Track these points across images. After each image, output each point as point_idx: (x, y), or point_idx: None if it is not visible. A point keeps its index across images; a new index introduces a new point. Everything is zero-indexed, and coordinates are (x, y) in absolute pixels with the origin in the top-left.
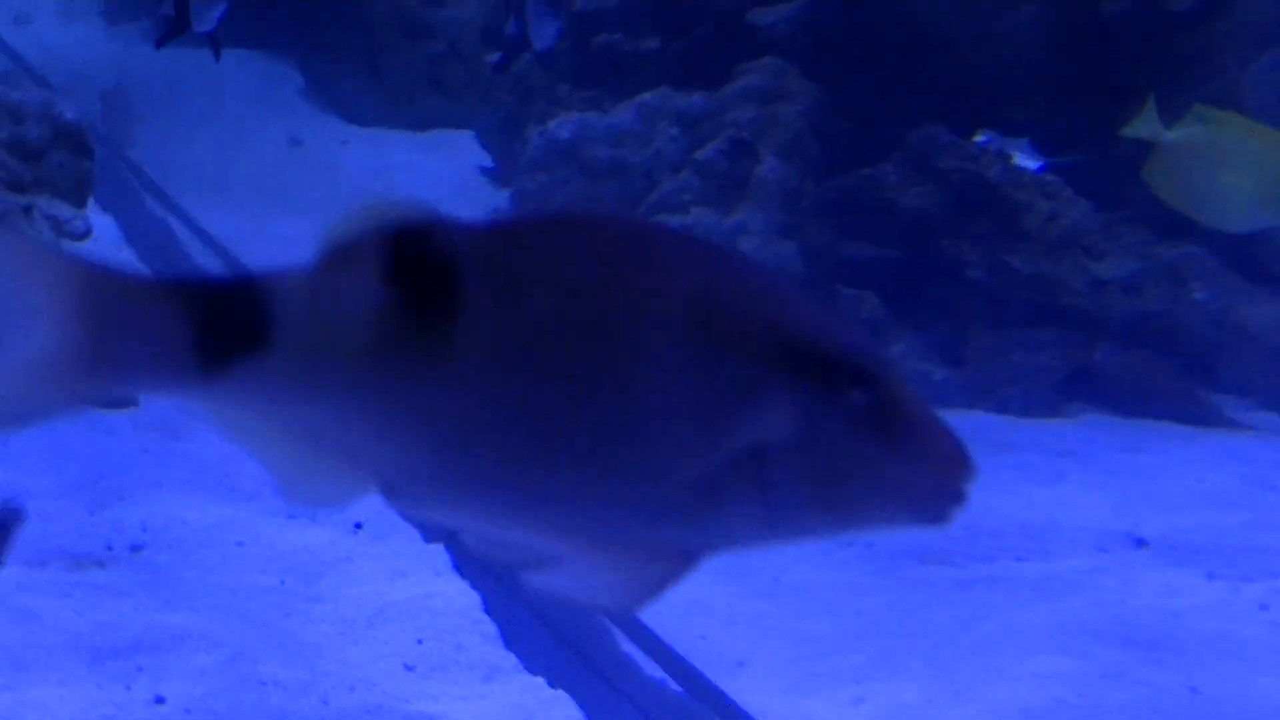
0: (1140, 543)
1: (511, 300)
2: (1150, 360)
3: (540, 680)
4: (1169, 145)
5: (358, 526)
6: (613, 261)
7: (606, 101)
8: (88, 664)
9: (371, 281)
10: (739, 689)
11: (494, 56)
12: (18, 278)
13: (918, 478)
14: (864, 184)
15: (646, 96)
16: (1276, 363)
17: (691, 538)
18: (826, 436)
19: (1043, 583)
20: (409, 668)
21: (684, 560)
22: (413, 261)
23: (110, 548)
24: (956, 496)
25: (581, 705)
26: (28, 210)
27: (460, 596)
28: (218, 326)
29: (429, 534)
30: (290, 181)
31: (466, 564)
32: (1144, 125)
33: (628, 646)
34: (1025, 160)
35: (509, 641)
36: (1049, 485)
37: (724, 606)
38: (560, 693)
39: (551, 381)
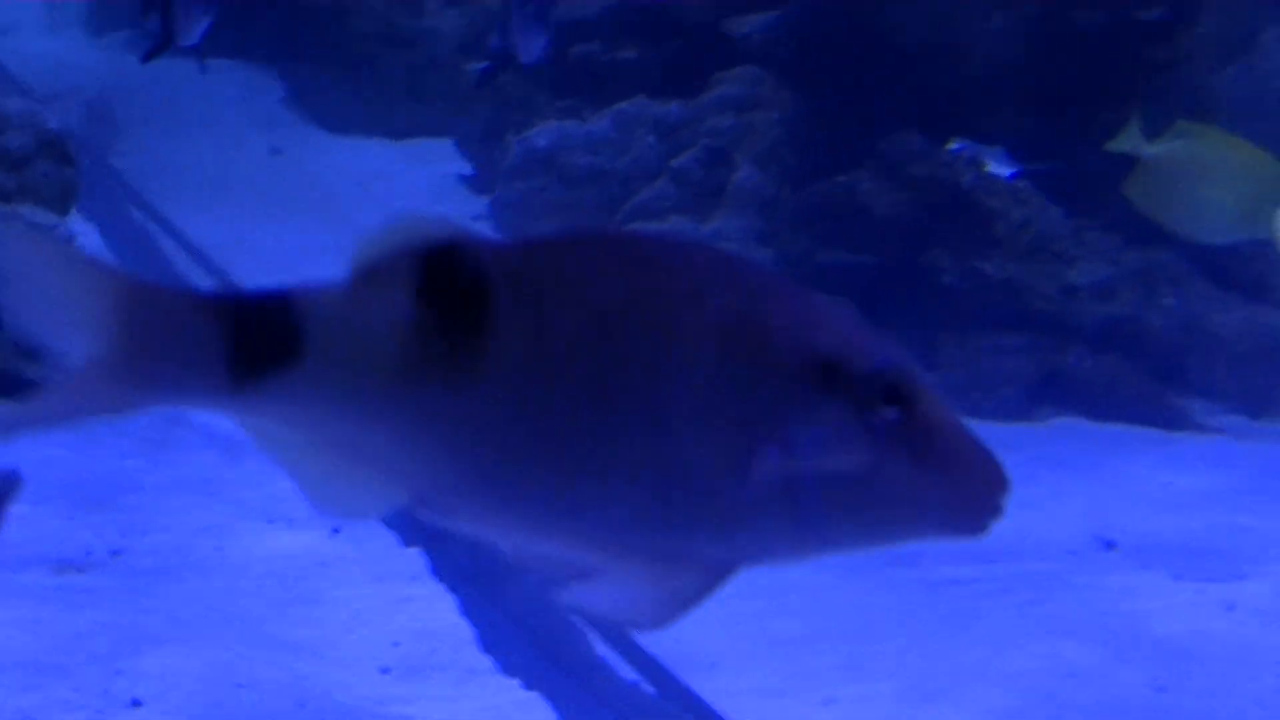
0: (1109, 545)
1: (541, 317)
2: (1120, 365)
3: (516, 682)
4: (1151, 160)
5: (336, 531)
6: (641, 278)
7: (584, 110)
8: (66, 667)
9: (402, 298)
10: (711, 690)
11: (473, 66)
12: (58, 289)
13: (952, 492)
14: (839, 191)
15: (624, 105)
16: (1244, 367)
17: (722, 551)
18: (857, 452)
19: (1012, 584)
20: (386, 670)
21: (717, 572)
22: (443, 279)
23: (90, 552)
24: (992, 510)
25: (556, 707)
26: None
27: (437, 600)
28: (251, 340)
29: (406, 538)
30: (271, 190)
31: (443, 568)
32: (1127, 140)
33: (602, 649)
34: (998, 168)
35: (485, 644)
36: (1019, 488)
37: (698, 610)
38: (535, 694)
39: (580, 397)
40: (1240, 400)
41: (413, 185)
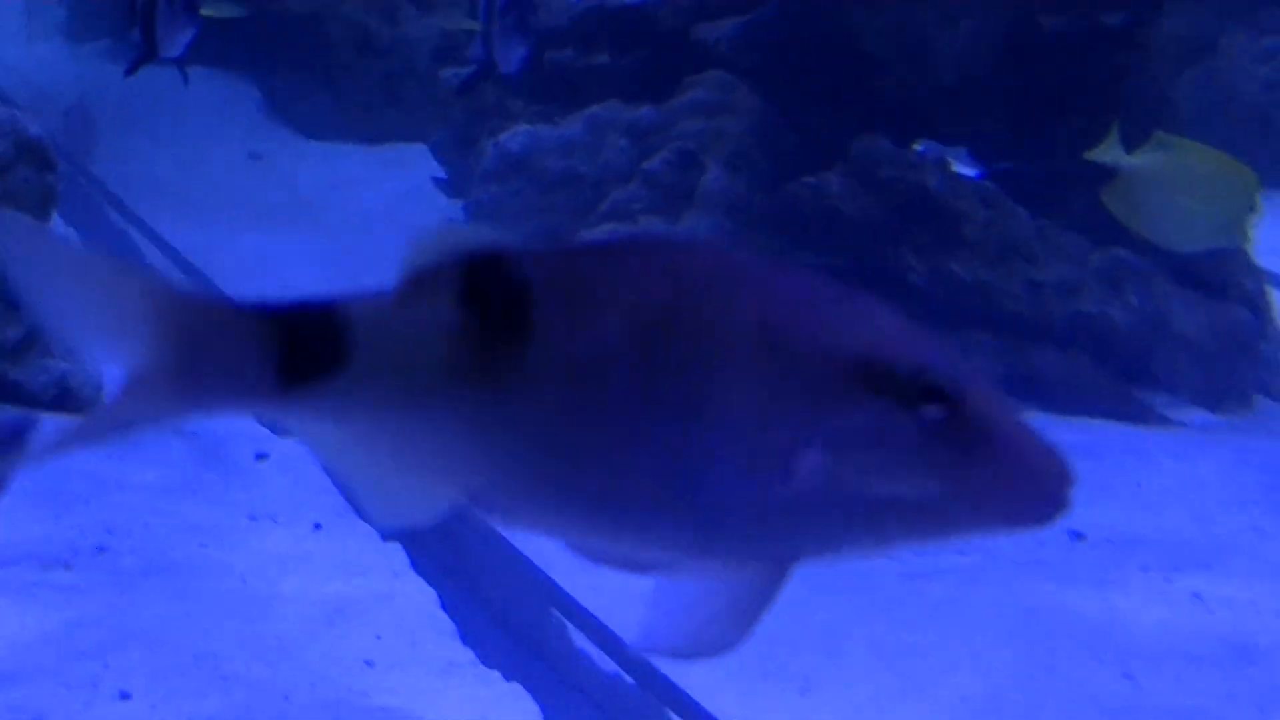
0: (1078, 536)
1: (582, 321)
2: (1086, 362)
3: (496, 674)
4: (1129, 171)
5: (318, 527)
6: (683, 282)
7: (557, 115)
8: (54, 663)
9: (446, 305)
10: (688, 679)
11: (450, 73)
12: (109, 301)
13: (1009, 487)
14: (808, 193)
15: (596, 109)
16: (1208, 362)
17: (771, 548)
18: (901, 452)
19: (983, 576)
20: (369, 664)
21: (775, 570)
22: (486, 286)
23: (76, 550)
24: (1057, 503)
25: (537, 699)
26: None
27: (418, 594)
28: (298, 348)
29: (386, 534)
30: (249, 195)
31: (423, 563)
32: (1107, 152)
33: (581, 642)
34: (963, 169)
35: (466, 637)
36: None
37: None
38: (516, 686)
39: (621, 400)
40: (1205, 395)
41: (389, 190)
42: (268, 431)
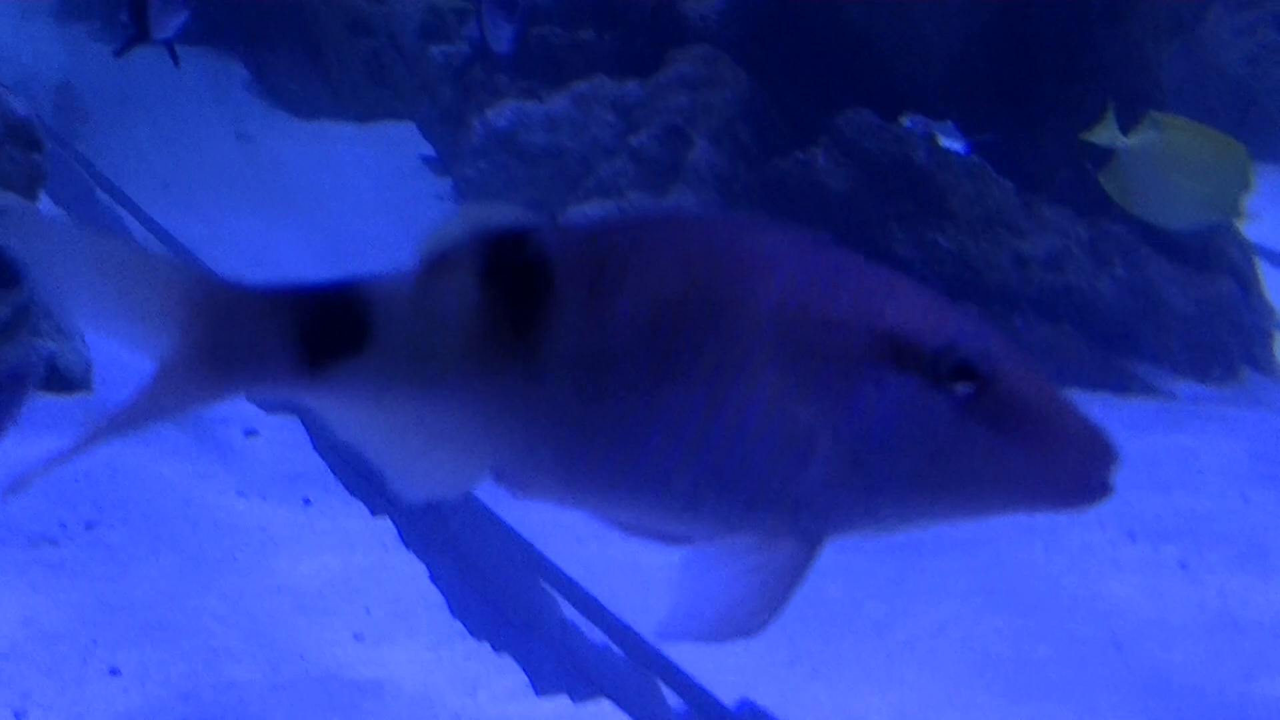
0: None
1: (606, 298)
2: (1072, 332)
3: (486, 646)
4: (1126, 152)
5: (307, 503)
6: (706, 258)
7: (544, 91)
8: (44, 639)
9: (469, 284)
10: (679, 651)
11: (437, 50)
12: (137, 288)
13: (1046, 466)
14: (795, 167)
15: (582, 85)
16: (1193, 333)
17: (791, 524)
18: (931, 430)
19: (970, 544)
20: (358, 637)
21: (804, 546)
22: (509, 264)
23: (64, 526)
24: (1097, 483)
25: (526, 670)
26: None
27: (407, 567)
28: (320, 331)
29: (374, 508)
30: (237, 174)
31: (412, 537)
32: (1103, 134)
33: (570, 612)
34: (950, 143)
35: (455, 610)
36: None
37: (663, 576)
38: (506, 658)
39: (645, 376)
40: (1192, 366)
41: (377, 168)
42: (257, 409)
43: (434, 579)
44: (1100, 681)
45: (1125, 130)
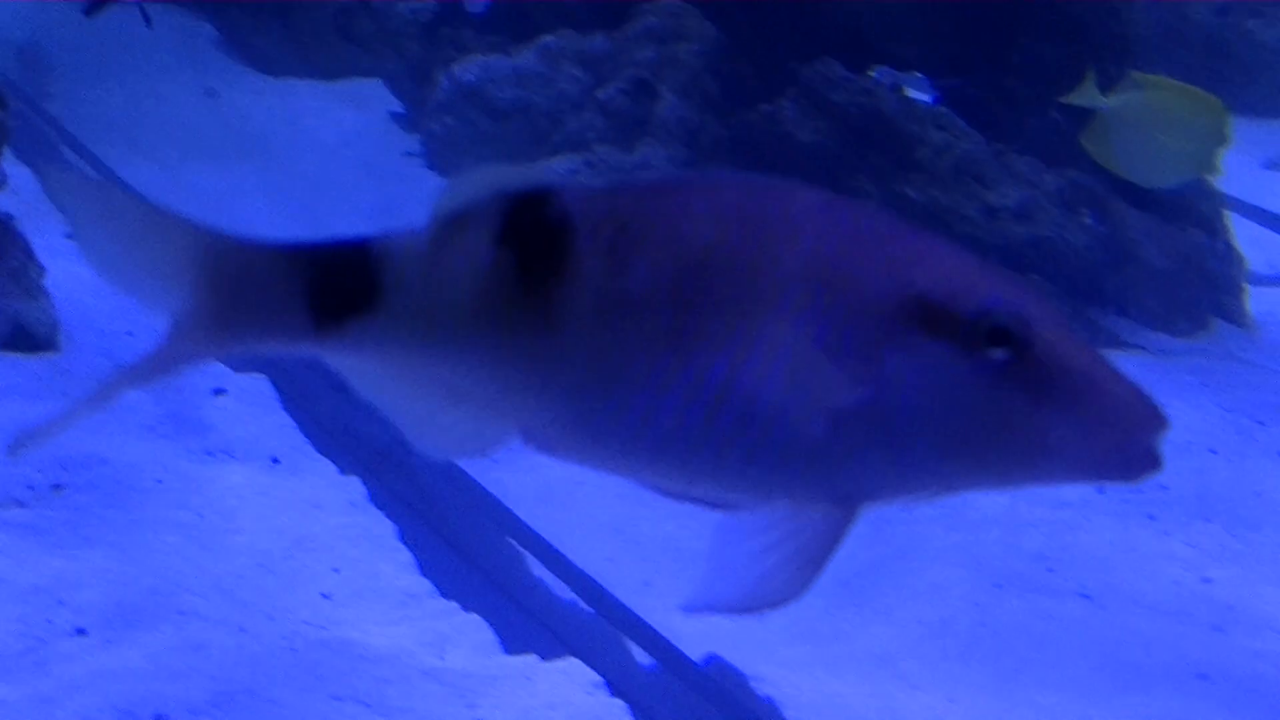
0: None
1: (626, 259)
2: (1042, 285)
3: (454, 605)
4: (1107, 112)
5: (275, 462)
6: (730, 218)
7: (511, 46)
8: (10, 599)
9: (483, 243)
10: (646, 607)
11: (404, 5)
12: (146, 244)
13: (1088, 435)
14: (762, 120)
15: (548, 39)
16: (1165, 285)
17: (829, 489)
18: (965, 397)
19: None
20: (326, 596)
21: (838, 512)
22: (526, 223)
23: (31, 487)
24: (1144, 452)
25: (495, 628)
26: None
27: (376, 526)
28: (331, 287)
29: (343, 467)
30: (205, 131)
31: (381, 495)
32: (1084, 95)
33: (539, 570)
34: (918, 94)
35: (424, 569)
36: None
37: (632, 530)
38: (474, 616)
39: (664, 337)
40: (1162, 318)
41: (345, 124)
42: (225, 367)
43: (403, 538)
44: (1069, 631)
45: (1108, 92)
